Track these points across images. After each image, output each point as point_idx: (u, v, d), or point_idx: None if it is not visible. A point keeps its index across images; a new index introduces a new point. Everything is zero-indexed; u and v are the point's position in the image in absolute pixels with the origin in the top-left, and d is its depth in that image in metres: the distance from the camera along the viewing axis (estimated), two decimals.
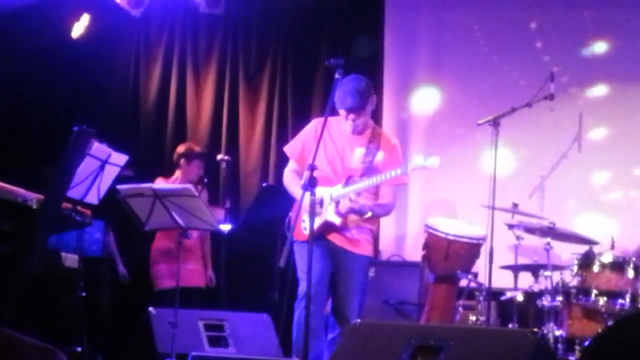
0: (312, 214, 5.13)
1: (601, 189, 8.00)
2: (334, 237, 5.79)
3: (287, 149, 6.15)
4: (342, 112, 5.79)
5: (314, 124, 6.02)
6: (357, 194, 5.71)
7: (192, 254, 7.53)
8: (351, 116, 5.76)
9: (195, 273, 7.54)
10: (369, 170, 5.76)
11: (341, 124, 5.87)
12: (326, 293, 5.91)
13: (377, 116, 8.38)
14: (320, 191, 5.39)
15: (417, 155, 5.61)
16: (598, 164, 8.03)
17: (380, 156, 5.83)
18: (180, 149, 7.74)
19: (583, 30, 8.21)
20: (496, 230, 6.53)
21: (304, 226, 5.73)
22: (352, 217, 5.78)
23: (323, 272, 5.69)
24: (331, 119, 5.87)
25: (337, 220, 5.73)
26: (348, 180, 5.76)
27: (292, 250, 5.71)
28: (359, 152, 5.85)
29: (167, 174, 7.71)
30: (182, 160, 7.62)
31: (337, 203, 5.71)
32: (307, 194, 5.09)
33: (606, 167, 8.01)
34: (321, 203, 5.64)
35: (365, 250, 5.88)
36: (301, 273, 5.82)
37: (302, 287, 5.76)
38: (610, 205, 7.95)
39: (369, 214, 5.76)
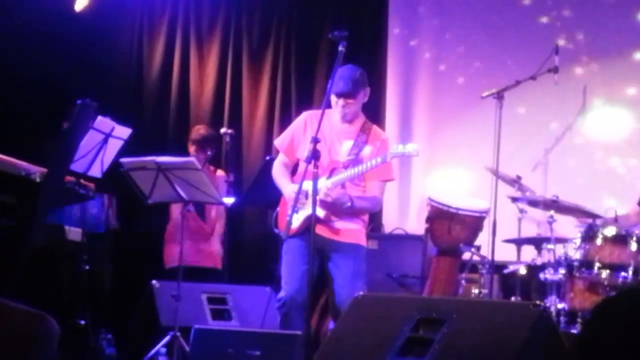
0: (315, 189, 5.09)
1: (605, 162, 7.99)
2: (320, 230, 5.60)
3: (277, 141, 6.12)
4: (333, 98, 5.67)
5: (304, 117, 5.92)
6: (341, 186, 5.63)
7: (209, 235, 7.51)
8: (341, 102, 5.65)
9: (211, 255, 7.51)
10: (354, 162, 5.68)
11: (332, 116, 5.76)
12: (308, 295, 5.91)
13: (380, 89, 8.39)
14: (305, 184, 5.29)
15: (395, 145, 5.58)
16: (602, 137, 8.01)
17: (367, 150, 5.74)
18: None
19: (589, 2, 8.18)
20: (499, 204, 6.53)
21: (289, 221, 5.48)
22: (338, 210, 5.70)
23: (305, 278, 5.37)
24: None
25: (321, 213, 5.59)
26: (331, 172, 5.70)
27: (290, 223, 5.64)
28: (346, 145, 5.76)
29: (173, 150, 7.70)
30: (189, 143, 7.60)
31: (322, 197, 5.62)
32: (293, 187, 5.02)
33: (610, 140, 8.00)
34: (306, 196, 5.49)
35: (357, 239, 5.78)
36: (283, 281, 5.74)
37: (281, 295, 5.72)
38: (614, 178, 7.94)
39: (348, 204, 5.63)
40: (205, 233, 7.49)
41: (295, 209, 5.47)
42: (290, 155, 5.91)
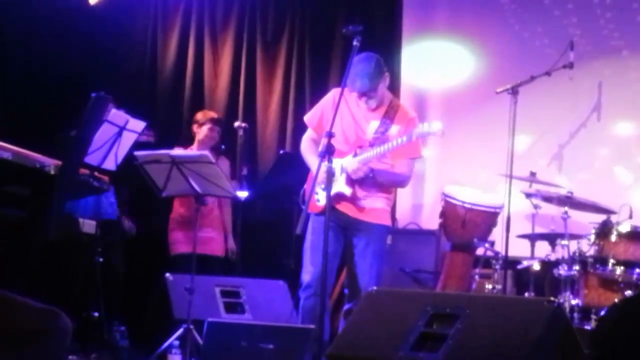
0: (329, 183, 5.10)
1: (620, 158, 7.95)
2: (346, 208, 5.77)
3: (306, 117, 6.14)
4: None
5: (333, 93, 5.99)
6: (365, 162, 5.69)
7: (210, 222, 7.48)
8: (364, 98, 5.76)
9: (213, 241, 7.49)
10: (380, 141, 5.73)
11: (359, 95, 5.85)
12: (332, 279, 5.99)
13: (394, 84, 8.36)
14: (333, 163, 5.32)
15: (420, 124, 5.58)
16: (617, 133, 7.98)
17: (394, 130, 5.78)
18: (195, 116, 7.73)
19: None
20: (513, 199, 6.50)
21: (317, 198, 5.74)
22: (365, 187, 5.77)
23: (329, 260, 5.37)
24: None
25: (347, 191, 5.72)
26: (357, 150, 5.76)
27: (308, 218, 5.72)
28: (373, 125, 5.82)
29: (186, 143, 7.69)
30: (195, 126, 7.59)
31: (347, 174, 5.71)
32: (323, 163, 5.08)
33: (625, 136, 7.96)
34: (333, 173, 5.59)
35: (381, 219, 5.84)
36: (306, 262, 5.81)
37: (305, 278, 5.77)
38: (629, 174, 7.91)
39: (370, 175, 5.69)
40: (205, 218, 7.44)
41: (323, 187, 5.55)
42: (319, 131, 5.92)
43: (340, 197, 5.73)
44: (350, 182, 5.72)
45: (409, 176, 5.97)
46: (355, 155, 5.74)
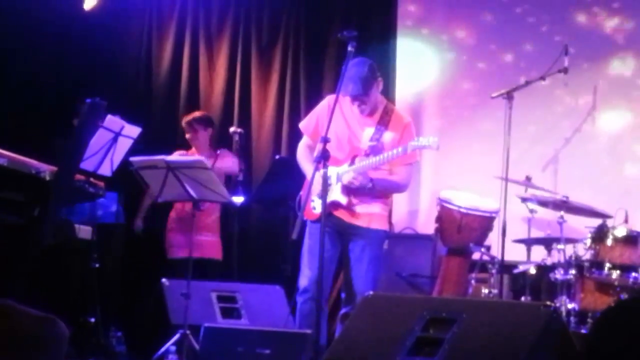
0: (325, 189, 5.10)
1: (615, 162, 7.96)
2: (342, 214, 5.77)
3: (301, 125, 6.14)
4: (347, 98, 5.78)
5: (327, 100, 5.98)
6: (361, 172, 5.69)
7: (208, 225, 7.47)
8: (356, 103, 5.77)
9: (210, 245, 7.50)
10: (376, 149, 5.73)
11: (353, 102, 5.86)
12: (329, 284, 5.97)
13: (389, 89, 8.37)
14: (328, 171, 5.32)
15: (416, 138, 5.61)
16: (612, 138, 7.99)
17: (388, 136, 5.78)
18: (182, 122, 7.74)
19: (598, 3, 8.16)
20: (509, 204, 6.51)
21: (313, 205, 5.76)
22: (361, 195, 5.77)
23: (326, 265, 5.44)
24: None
25: (343, 200, 5.73)
26: (353, 159, 5.75)
27: (304, 223, 5.72)
28: (368, 132, 5.82)
29: (186, 147, 7.70)
30: (187, 134, 7.60)
31: (343, 183, 5.71)
32: (318, 172, 5.08)
33: (620, 141, 7.97)
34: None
35: (378, 224, 5.85)
36: (303, 266, 5.81)
37: (302, 282, 5.77)
38: (625, 178, 7.92)
39: (370, 185, 5.68)
40: (204, 224, 7.44)
41: (318, 195, 5.55)
42: (315, 137, 5.89)
43: (336, 205, 5.74)
44: (346, 191, 5.72)
45: (408, 182, 5.99)
46: (352, 164, 5.74)
